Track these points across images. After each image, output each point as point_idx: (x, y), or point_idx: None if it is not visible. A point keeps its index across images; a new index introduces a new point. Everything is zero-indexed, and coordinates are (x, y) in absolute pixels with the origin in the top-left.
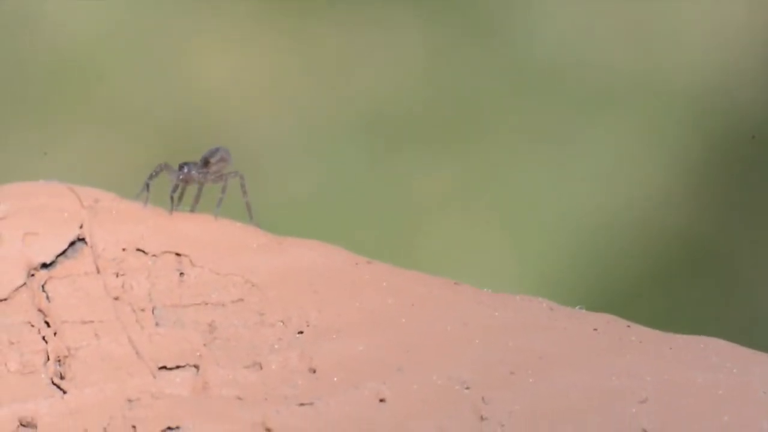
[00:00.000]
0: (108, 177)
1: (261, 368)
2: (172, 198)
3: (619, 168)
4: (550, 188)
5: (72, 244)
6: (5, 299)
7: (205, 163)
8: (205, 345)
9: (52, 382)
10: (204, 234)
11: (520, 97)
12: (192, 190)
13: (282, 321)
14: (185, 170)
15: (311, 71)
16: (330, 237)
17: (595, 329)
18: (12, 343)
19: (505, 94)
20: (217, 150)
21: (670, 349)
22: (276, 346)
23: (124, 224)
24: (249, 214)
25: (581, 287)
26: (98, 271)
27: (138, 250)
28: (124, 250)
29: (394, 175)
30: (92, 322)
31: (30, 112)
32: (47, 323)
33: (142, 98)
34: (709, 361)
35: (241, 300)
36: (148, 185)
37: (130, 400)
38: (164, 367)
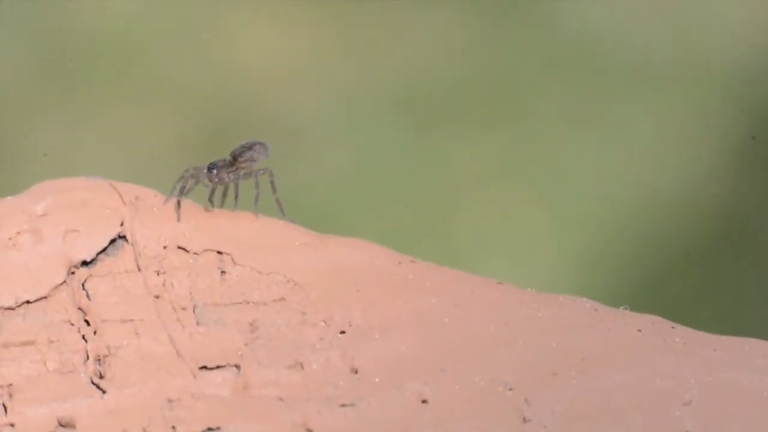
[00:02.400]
0: (145, 154)
1: (302, 368)
2: (211, 202)
3: (658, 144)
4: (589, 165)
5: (113, 241)
6: (45, 297)
7: (234, 159)
8: (246, 344)
9: (92, 381)
10: (246, 232)
11: (559, 73)
12: (231, 186)
13: (324, 320)
14: (214, 172)
15: (350, 47)
16: (368, 213)
17: (639, 330)
18: (51, 342)
19: (543, 71)
20: (250, 147)
21: (715, 350)
22: (318, 346)
23: (165, 222)
24: (281, 211)
25: (621, 264)
26: (139, 269)
27: (179, 247)
28: (165, 247)
29: (433, 152)
30: (132, 320)
31: (67, 89)
32: (87, 322)
33: (179, 74)
34: (753, 363)
35: (283, 299)
36: (179, 194)
37: (170, 401)
38: (205, 367)
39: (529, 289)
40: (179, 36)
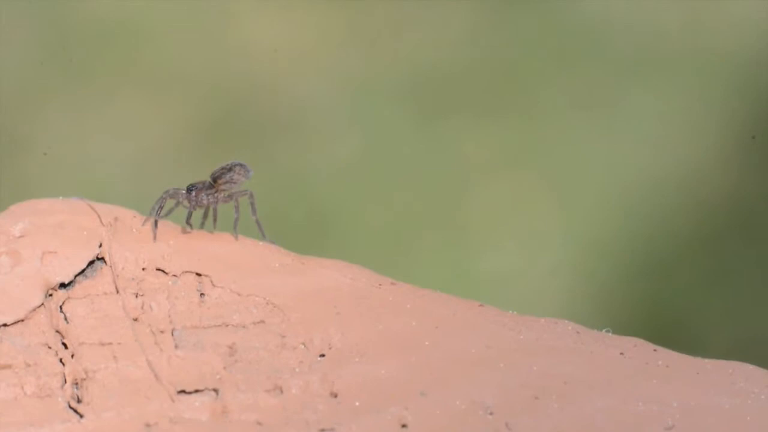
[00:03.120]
0: (152, 142)
1: (282, 392)
2: (189, 224)
3: (666, 131)
4: (597, 152)
5: (91, 263)
6: (22, 320)
7: (214, 181)
8: (225, 368)
9: (69, 405)
10: (225, 254)
11: (567, 61)
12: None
13: (303, 343)
14: (192, 194)
15: (358, 35)
16: (375, 201)
17: (622, 353)
18: (29, 366)
19: (551, 59)
20: (229, 169)
21: (697, 374)
22: (297, 370)
23: (144, 243)
24: (261, 233)
25: (628, 251)
26: (117, 291)
27: (158, 269)
28: (143, 269)
29: (440, 140)
30: (110, 344)
31: (77, 75)
32: (65, 345)
33: (187, 63)
34: (736, 386)
35: (263, 322)
36: (156, 214)
37: (148, 425)
38: (183, 391)
39: (511, 311)
40: (187, 24)
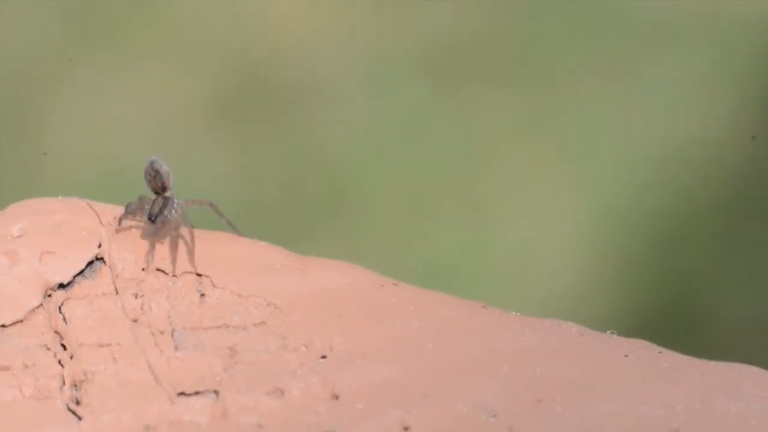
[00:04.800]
0: (168, 112)
1: (282, 394)
2: (149, 257)
3: (684, 102)
4: (615, 123)
5: (90, 263)
6: (21, 321)
7: (163, 189)
8: (225, 370)
9: (68, 407)
10: (226, 254)
11: (584, 32)
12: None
13: (305, 345)
14: (159, 223)
15: (376, 7)
16: (390, 174)
17: (626, 355)
18: (27, 367)
19: (568, 29)
20: (154, 176)
21: (702, 376)
22: (298, 372)
23: (144, 243)
24: (236, 231)
25: (645, 223)
26: (117, 292)
27: (158, 270)
28: (143, 270)
29: (457, 111)
30: (110, 345)
31: (95, 45)
32: (63, 346)
33: (205, 31)
34: (742, 389)
35: (263, 323)
36: (124, 217)
37: (147, 427)
38: (183, 393)
39: (514, 312)
40: None
